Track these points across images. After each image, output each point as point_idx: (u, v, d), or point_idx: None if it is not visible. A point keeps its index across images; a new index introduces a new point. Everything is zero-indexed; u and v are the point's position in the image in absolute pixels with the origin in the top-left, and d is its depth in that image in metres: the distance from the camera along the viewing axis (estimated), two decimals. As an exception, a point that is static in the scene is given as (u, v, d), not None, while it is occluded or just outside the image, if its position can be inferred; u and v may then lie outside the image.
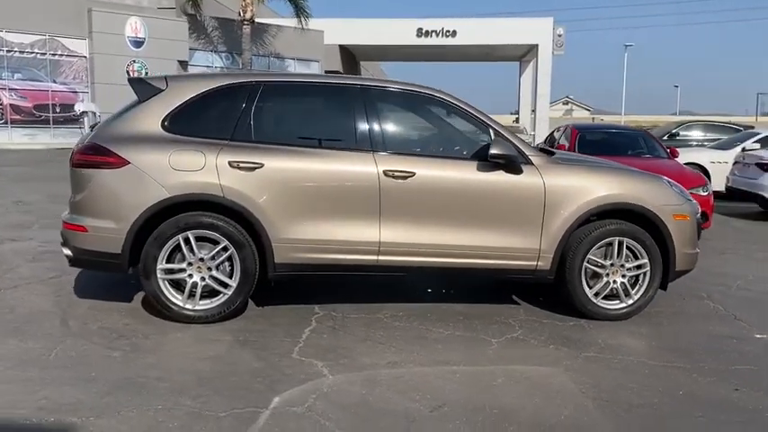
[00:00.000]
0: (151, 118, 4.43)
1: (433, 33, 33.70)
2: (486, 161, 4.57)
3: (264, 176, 4.35)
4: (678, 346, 4.38)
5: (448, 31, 33.57)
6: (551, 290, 5.05)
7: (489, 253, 4.64)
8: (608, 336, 4.50)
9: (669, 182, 5.07)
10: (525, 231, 4.65)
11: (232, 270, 4.41)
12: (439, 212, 4.57)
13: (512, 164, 4.57)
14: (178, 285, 4.38)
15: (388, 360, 3.93)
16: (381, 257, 4.53)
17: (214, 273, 4.39)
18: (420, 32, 33.66)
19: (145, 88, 4.50)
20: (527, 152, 4.69)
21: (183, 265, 4.37)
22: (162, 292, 4.35)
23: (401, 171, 4.46)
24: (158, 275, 4.33)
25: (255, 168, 4.34)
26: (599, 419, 3.26)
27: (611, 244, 4.75)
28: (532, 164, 4.64)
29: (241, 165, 4.34)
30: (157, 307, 4.41)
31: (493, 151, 4.48)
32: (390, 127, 4.72)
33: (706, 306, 5.31)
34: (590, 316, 4.79)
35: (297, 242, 4.42)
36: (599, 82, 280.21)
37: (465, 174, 4.58)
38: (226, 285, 4.41)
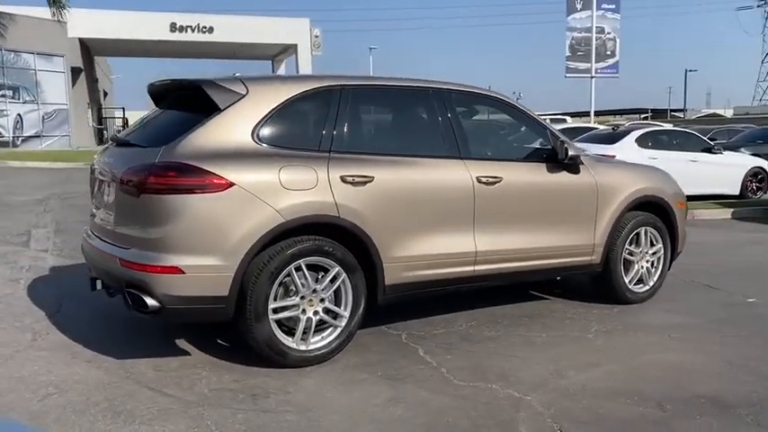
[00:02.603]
0: (239, 128, 3.68)
1: (189, 29, 32.10)
2: (553, 162, 4.69)
3: (374, 191, 3.91)
4: (708, 314, 5.01)
5: (204, 27, 32.25)
6: (560, 283, 5.49)
7: (559, 252, 4.78)
8: (653, 316, 4.96)
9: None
10: (584, 228, 4.89)
11: (338, 298, 3.90)
12: (522, 216, 4.58)
13: (576, 165, 4.76)
14: (280, 324, 3.73)
15: (550, 370, 3.84)
16: (477, 267, 4.39)
17: (327, 304, 3.84)
18: (174, 27, 31.86)
19: (222, 93, 3.71)
20: None
21: (296, 300, 3.74)
22: (275, 335, 3.67)
23: (491, 177, 4.36)
24: (270, 316, 3.64)
25: (366, 182, 3.88)
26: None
27: (638, 234, 5.22)
28: (583, 163, 4.89)
29: (355, 179, 3.84)
30: (267, 354, 3.69)
31: (572, 153, 4.62)
32: (471, 131, 4.57)
33: (697, 285, 6.02)
34: (624, 301, 5.21)
35: (406, 260, 4.06)
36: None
37: (540, 176, 4.65)
38: (336, 316, 3.88)
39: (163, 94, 4.31)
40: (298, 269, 3.70)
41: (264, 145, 3.70)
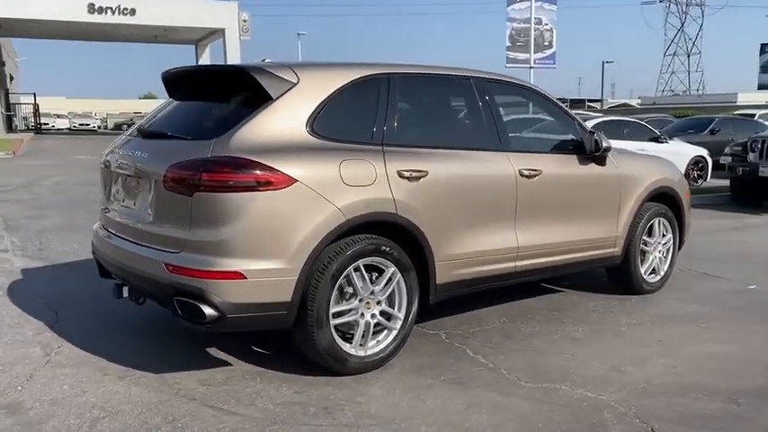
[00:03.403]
0: (293, 120, 3.39)
1: (108, 10, 30.35)
2: (582, 154, 4.63)
3: (428, 186, 3.71)
4: (721, 302, 5.12)
5: (126, 9, 30.57)
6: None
7: (588, 245, 4.74)
8: (671, 306, 5.02)
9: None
10: (609, 220, 4.87)
11: (392, 300, 3.69)
12: (557, 210, 4.50)
13: (604, 157, 4.72)
14: (336, 329, 3.49)
15: (608, 367, 3.78)
16: (519, 263, 4.28)
17: (384, 306, 3.62)
18: (92, 8, 29.99)
19: (273, 82, 3.39)
20: None
21: (355, 303, 3.50)
22: (336, 342, 3.42)
23: (531, 169, 4.25)
24: (331, 321, 3.39)
25: (421, 177, 3.67)
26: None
27: (652, 224, 5.26)
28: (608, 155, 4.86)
29: (412, 174, 3.63)
30: (326, 362, 3.44)
31: (605, 145, 4.57)
32: (509, 123, 4.42)
33: (694, 273, 6.12)
34: (640, 291, 5.24)
35: (456, 257, 3.90)
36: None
37: (572, 169, 4.58)
38: (390, 318, 3.67)
39: (189, 81, 3.94)
40: (356, 270, 3.46)
41: (320, 138, 3.42)
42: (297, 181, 3.20)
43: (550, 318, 4.67)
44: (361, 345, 3.53)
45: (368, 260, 3.49)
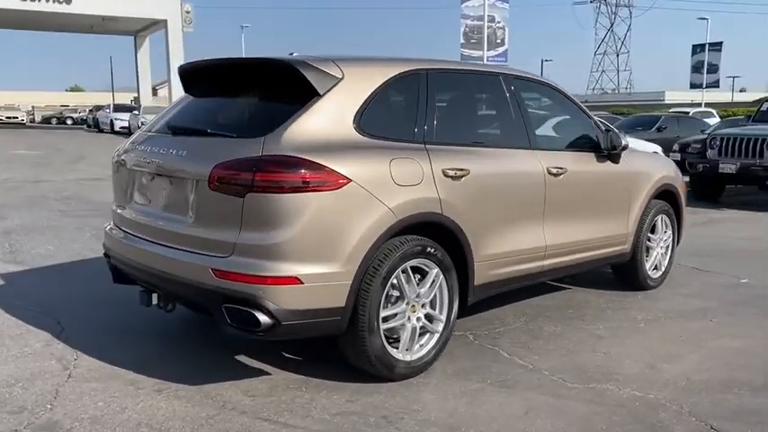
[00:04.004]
0: (341, 116, 3.24)
1: (43, -2, 28.97)
2: (598, 152, 4.64)
3: (470, 185, 3.63)
4: (720, 297, 5.25)
5: (61, -3, 29.25)
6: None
7: (604, 242, 4.76)
8: (676, 301, 5.11)
9: None
10: (622, 218, 4.91)
11: (433, 302, 3.59)
12: (579, 208, 4.50)
13: (619, 154, 4.75)
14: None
15: (643, 365, 3.79)
16: (545, 262, 4.25)
17: (428, 309, 3.52)
18: (25, -5, 28.55)
19: (320, 76, 3.22)
20: None
21: (403, 306, 3.39)
22: (386, 347, 3.31)
23: (557, 167, 4.23)
24: (381, 326, 3.27)
25: (463, 176, 3.59)
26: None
27: (655, 221, 5.34)
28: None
29: (456, 173, 3.54)
30: (375, 369, 3.31)
31: (624, 142, 4.59)
32: (535, 120, 4.38)
33: (685, 268, 6.25)
34: (644, 287, 5.32)
35: (492, 257, 3.84)
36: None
37: (592, 166, 4.59)
38: (432, 320, 3.58)
39: (221, 74, 3.70)
40: (404, 272, 3.35)
41: (366, 135, 3.29)
42: (351, 181, 3.06)
43: (568, 316, 4.67)
44: (407, 349, 3.43)
45: (414, 262, 3.39)
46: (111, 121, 33.14)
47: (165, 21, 31.37)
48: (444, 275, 3.55)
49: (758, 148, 10.10)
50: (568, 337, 4.23)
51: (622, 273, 5.30)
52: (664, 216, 5.40)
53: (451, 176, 3.52)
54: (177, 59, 31.97)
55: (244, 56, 3.47)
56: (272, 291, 2.93)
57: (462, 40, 21.34)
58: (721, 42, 37.40)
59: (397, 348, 3.38)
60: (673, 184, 5.43)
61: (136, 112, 30.36)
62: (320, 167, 3.00)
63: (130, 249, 3.53)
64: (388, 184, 3.22)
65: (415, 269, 3.45)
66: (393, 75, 3.50)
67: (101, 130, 35.34)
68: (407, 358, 3.42)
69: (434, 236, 3.48)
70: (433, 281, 3.51)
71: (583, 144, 4.65)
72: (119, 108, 34.78)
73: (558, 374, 3.61)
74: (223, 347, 3.79)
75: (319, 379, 3.41)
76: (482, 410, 3.15)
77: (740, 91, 79.29)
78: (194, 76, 3.80)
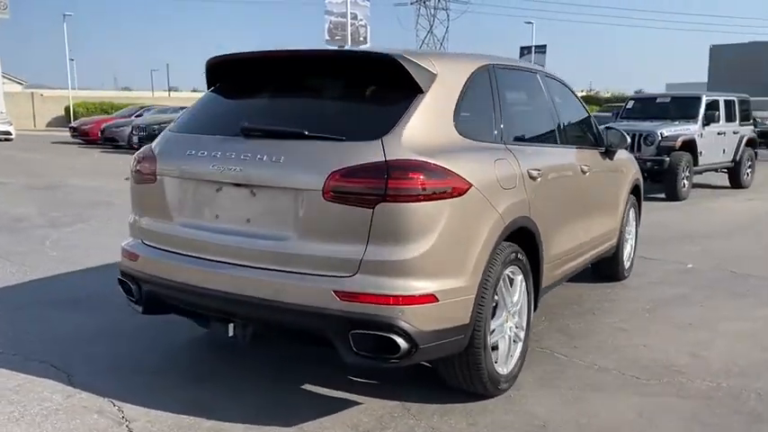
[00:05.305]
0: (443, 116, 2.97)
1: None
2: (600, 148, 4.74)
3: (542, 185, 3.52)
4: (686, 283, 5.65)
5: None
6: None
7: (608, 236, 4.91)
8: (657, 290, 5.40)
9: None
10: (615, 212, 5.09)
11: (519, 310, 3.44)
12: (597, 203, 4.60)
13: (615, 151, 4.89)
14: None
15: (686, 353, 3.92)
16: (579, 260, 4.31)
17: (517, 318, 3.36)
18: None
19: (421, 72, 2.92)
20: None
21: (502, 318, 3.20)
22: (493, 361, 3.10)
23: (586, 165, 4.27)
24: (489, 341, 3.06)
25: (539, 176, 3.47)
26: None
27: (628, 214, 5.60)
28: (608, 148, 5.04)
29: (537, 174, 3.41)
30: (484, 386, 3.09)
31: (628, 140, 4.73)
32: (563, 117, 4.33)
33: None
34: (620, 278, 5.56)
35: (555, 258, 3.79)
36: (43, 53, 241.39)
37: (600, 163, 4.68)
38: (518, 329, 3.42)
39: (302, 67, 3.22)
40: (503, 280, 3.17)
41: (462, 136, 3.04)
42: (472, 185, 2.82)
43: (579, 312, 4.74)
44: (504, 362, 3.25)
45: (509, 269, 3.22)
46: None
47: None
48: (525, 281, 3.42)
49: (636, 143, 11.02)
50: (599, 333, 4.28)
51: (605, 266, 5.49)
52: (632, 209, 5.67)
53: (533, 177, 3.40)
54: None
55: (330, 48, 3.01)
56: (411, 311, 2.61)
57: (327, 37, 21.13)
58: (545, 45, 40.71)
59: (497, 362, 3.19)
60: (640, 179, 5.72)
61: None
62: (448, 172, 2.72)
63: (186, 272, 2.97)
64: (496, 188, 3.02)
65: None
66: (474, 70, 3.29)
67: None
68: (505, 371, 3.25)
69: (519, 240, 3.32)
70: (519, 288, 3.36)
71: (591, 141, 4.73)
72: None
73: (627, 372, 3.63)
74: (276, 379, 3.36)
75: (414, 402, 3.13)
76: (601, 419, 3.06)
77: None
78: (253, 69, 3.30)
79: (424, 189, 2.63)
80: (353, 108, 3.05)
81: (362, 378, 3.40)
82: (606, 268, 5.49)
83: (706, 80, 51.91)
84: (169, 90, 69.14)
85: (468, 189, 2.80)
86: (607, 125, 4.87)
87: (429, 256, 2.65)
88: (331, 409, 3.03)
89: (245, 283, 2.80)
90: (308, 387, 3.28)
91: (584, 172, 4.21)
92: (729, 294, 5.25)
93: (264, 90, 3.27)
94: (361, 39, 21.79)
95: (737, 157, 12.64)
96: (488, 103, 3.37)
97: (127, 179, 3.54)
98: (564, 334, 4.24)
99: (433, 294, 2.66)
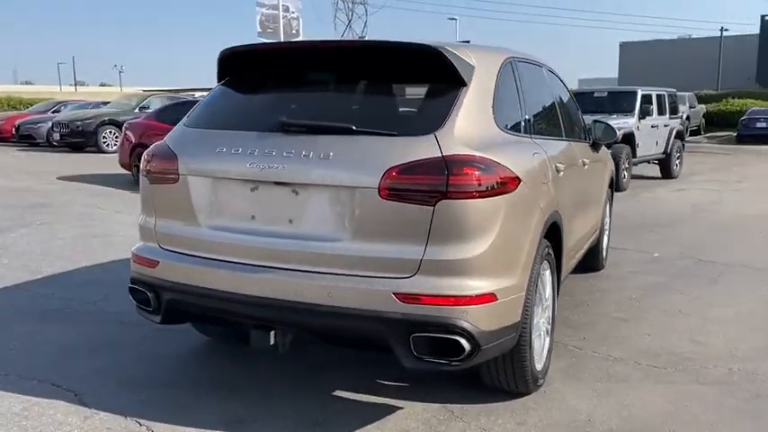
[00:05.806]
0: (485, 109, 2.90)
1: None
2: (590, 141, 4.81)
3: (564, 179, 3.52)
4: (660, 271, 5.84)
5: None
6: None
7: (594, 228, 4.98)
8: (637, 279, 5.55)
9: None
10: (600, 204, 5.18)
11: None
12: (592, 196, 4.65)
13: (601, 144, 4.97)
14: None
15: (687, 340, 4.02)
16: (581, 252, 4.32)
17: (548, 312, 3.34)
18: None
19: (462, 64, 2.82)
20: None
21: (539, 313, 3.16)
22: (535, 359, 3.06)
23: (586, 159, 4.32)
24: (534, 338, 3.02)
25: (562, 170, 3.46)
26: None
27: (607, 207, 5.74)
28: (591, 141, 5.12)
29: (562, 167, 3.40)
30: (526, 385, 3.05)
31: (618, 134, 4.81)
32: (565, 111, 4.34)
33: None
34: (598, 269, 5.69)
35: (570, 250, 3.80)
36: None
37: (593, 155, 4.73)
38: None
39: (337, 59, 3.03)
40: (539, 275, 3.13)
41: (501, 129, 2.98)
42: (521, 181, 2.76)
43: (574, 303, 4.78)
44: (539, 358, 3.22)
45: (544, 264, 3.19)
46: None
47: None
48: (551, 275, 3.40)
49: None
50: (601, 325, 4.33)
51: (588, 257, 5.58)
52: (608, 201, 5.81)
53: (559, 171, 3.38)
54: None
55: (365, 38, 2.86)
56: (474, 312, 2.53)
57: (259, 29, 20.60)
58: (469, 41, 41.24)
59: (535, 359, 3.16)
60: (614, 171, 5.86)
61: None
62: (502, 167, 2.65)
63: (218, 278, 2.76)
64: (539, 182, 2.99)
65: None
66: (502, 62, 3.23)
67: None
68: (539, 367, 3.22)
69: (548, 235, 3.30)
70: (549, 282, 3.34)
71: (581, 134, 4.78)
72: None
73: (643, 361, 3.69)
74: (306, 387, 3.20)
75: (455, 404, 3.06)
76: (640, 410, 3.08)
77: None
78: (276, 62, 3.10)
79: (480, 184, 2.55)
80: (397, 102, 2.93)
81: (390, 381, 3.29)
82: (589, 259, 5.59)
83: (616, 76, 54.32)
84: (75, 84, 66.06)
85: (518, 184, 2.74)
86: (595, 119, 4.93)
87: (488, 254, 2.58)
88: (374, 415, 2.92)
89: (288, 286, 2.63)
90: (340, 393, 3.14)
91: (584, 165, 4.25)
92: (705, 281, 5.45)
93: (294, 84, 3.09)
94: (294, 32, 21.41)
95: (668, 149, 13.24)
96: (515, 95, 3.32)
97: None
98: (568, 326, 4.27)
99: (492, 293, 2.59)
